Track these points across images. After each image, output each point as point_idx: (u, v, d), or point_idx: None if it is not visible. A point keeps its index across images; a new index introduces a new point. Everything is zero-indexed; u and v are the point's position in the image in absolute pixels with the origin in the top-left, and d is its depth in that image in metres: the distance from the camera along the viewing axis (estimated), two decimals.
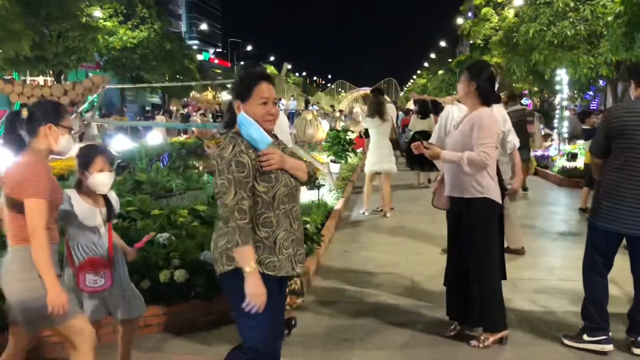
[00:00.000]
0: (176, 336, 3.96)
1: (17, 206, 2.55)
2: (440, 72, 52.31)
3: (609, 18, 12.83)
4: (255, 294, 2.33)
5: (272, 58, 75.11)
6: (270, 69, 57.64)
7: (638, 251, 3.62)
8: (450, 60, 50.33)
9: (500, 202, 3.76)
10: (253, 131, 2.41)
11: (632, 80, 3.65)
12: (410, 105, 23.05)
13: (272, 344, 2.52)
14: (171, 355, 3.73)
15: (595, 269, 3.69)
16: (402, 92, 71.92)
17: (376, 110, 7.90)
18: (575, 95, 20.42)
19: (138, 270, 4.14)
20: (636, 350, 3.64)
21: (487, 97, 3.71)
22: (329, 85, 74.68)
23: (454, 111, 4.56)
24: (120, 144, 13.16)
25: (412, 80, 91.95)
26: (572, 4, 14.99)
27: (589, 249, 3.76)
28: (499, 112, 4.40)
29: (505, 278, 4.01)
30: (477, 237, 3.70)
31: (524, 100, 30.76)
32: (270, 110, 2.48)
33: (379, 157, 7.95)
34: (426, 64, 71.81)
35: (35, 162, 2.60)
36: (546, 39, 15.18)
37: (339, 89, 57.62)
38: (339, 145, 10.93)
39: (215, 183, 2.43)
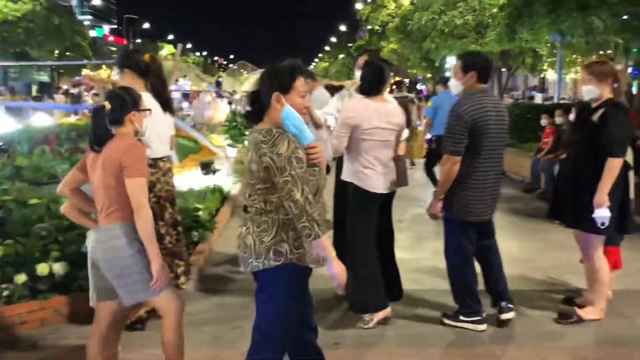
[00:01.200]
0: (55, 332, 3.79)
1: (119, 187, 2.74)
2: (341, 56, 53.06)
3: (495, 10, 13.62)
4: (341, 273, 2.49)
5: (171, 37, 72.61)
6: (169, 48, 55.75)
7: (484, 232, 3.95)
8: (350, 44, 51.14)
9: (375, 191, 3.90)
10: (301, 125, 2.48)
11: (475, 71, 3.78)
12: None
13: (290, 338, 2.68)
14: (50, 351, 3.57)
15: (463, 257, 3.92)
16: None
17: None
18: None
19: (13, 264, 3.91)
20: (503, 316, 3.95)
21: (363, 87, 3.93)
22: (230, 65, 73.49)
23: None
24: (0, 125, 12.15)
25: (314, 63, 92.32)
26: None
27: (453, 240, 3.97)
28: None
29: (389, 263, 4.21)
30: (349, 219, 3.96)
31: (419, 86, 31.84)
32: (306, 103, 2.60)
33: None
34: (327, 48, 72.49)
35: (134, 144, 2.82)
36: (437, 28, 15.87)
37: (241, 70, 56.85)
38: (236, 128, 10.82)
39: (262, 180, 2.46)
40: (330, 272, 2.48)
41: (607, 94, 3.95)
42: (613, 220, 3.86)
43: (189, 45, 66.05)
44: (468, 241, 3.88)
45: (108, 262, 2.78)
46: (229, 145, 10.25)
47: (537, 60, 16.90)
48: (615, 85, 3.95)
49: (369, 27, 33.66)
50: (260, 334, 2.59)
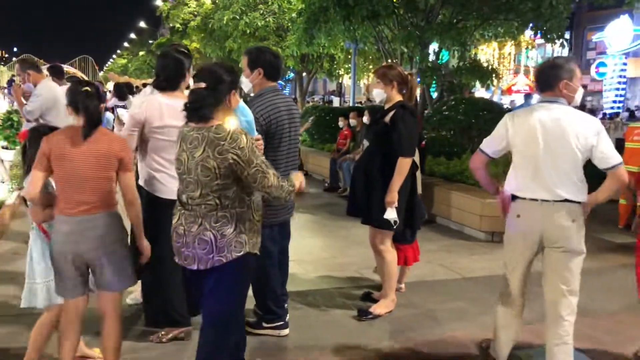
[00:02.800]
0: None
1: (110, 179, 2.87)
2: (142, 53, 50.59)
3: (294, 14, 13.93)
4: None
5: None
6: None
7: (284, 234, 3.82)
8: (151, 41, 48.98)
9: (165, 196, 3.47)
10: (252, 121, 2.74)
11: (261, 67, 3.57)
12: (110, 86, 21.63)
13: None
14: None
15: (271, 262, 3.72)
16: (102, 72, 67.49)
17: None
18: None
19: None
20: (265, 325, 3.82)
21: (158, 82, 3.61)
22: (13, 59, 65.66)
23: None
24: None
25: (111, 60, 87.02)
26: None
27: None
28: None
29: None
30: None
31: None
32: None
33: None
34: (127, 44, 68.69)
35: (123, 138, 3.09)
36: (239, 28, 15.78)
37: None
38: (12, 128, 9.43)
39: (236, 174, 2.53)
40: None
41: (396, 96, 4.09)
42: (403, 219, 4.04)
43: None
44: (272, 244, 3.72)
45: (101, 250, 2.82)
46: (3, 147, 8.91)
47: (334, 65, 17.75)
48: (404, 90, 4.12)
49: (171, 25, 32.44)
50: (221, 324, 2.70)
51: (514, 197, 3.18)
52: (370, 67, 18.52)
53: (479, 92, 19.46)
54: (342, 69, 17.80)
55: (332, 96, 36.46)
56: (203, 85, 2.56)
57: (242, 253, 2.60)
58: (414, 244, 4.60)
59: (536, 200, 3.07)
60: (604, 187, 3.10)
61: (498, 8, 10.91)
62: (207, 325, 2.71)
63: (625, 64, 23.13)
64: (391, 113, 4.03)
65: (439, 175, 8.03)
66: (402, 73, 4.16)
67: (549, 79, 3.11)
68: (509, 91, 28.39)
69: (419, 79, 11.71)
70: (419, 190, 7.26)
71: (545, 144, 3.02)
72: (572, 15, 23.55)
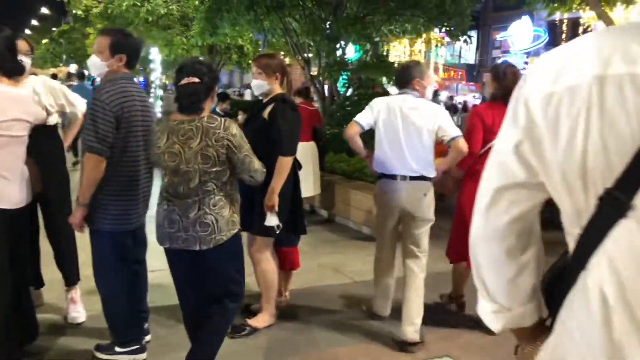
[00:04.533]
0: None
1: None
2: (45, 41, 47.53)
3: (197, 2, 13.27)
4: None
5: None
6: None
7: (137, 241, 3.36)
8: (54, 29, 46.15)
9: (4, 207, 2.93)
10: None
11: (125, 54, 3.17)
12: None
13: None
14: None
15: (121, 274, 3.25)
16: None
17: None
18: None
19: None
20: (147, 338, 3.46)
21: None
22: None
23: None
24: None
25: None
26: None
27: (105, 256, 3.22)
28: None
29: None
30: None
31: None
32: None
33: None
34: (28, 31, 64.39)
35: None
36: (140, 15, 14.89)
37: None
38: None
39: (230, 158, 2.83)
40: None
41: (278, 89, 3.73)
42: (285, 222, 3.68)
43: None
44: (124, 254, 3.24)
45: None
46: None
47: (243, 57, 17.20)
48: (284, 79, 3.77)
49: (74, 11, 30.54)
50: (237, 289, 3.09)
51: (380, 176, 3.83)
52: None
53: (392, 88, 19.59)
54: (251, 61, 17.27)
55: (248, 89, 35.80)
56: (196, 79, 2.76)
57: (236, 230, 2.94)
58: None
59: (396, 176, 3.72)
60: (448, 158, 3.74)
61: (404, 3, 10.85)
62: (224, 296, 3.00)
63: (526, 62, 24.13)
64: (269, 107, 3.66)
65: (339, 172, 7.77)
66: (284, 63, 3.84)
67: (405, 77, 3.78)
68: None
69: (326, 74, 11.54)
70: (318, 190, 7.05)
71: (403, 127, 3.64)
72: (478, 15, 24.36)
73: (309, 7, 11.37)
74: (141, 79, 29.11)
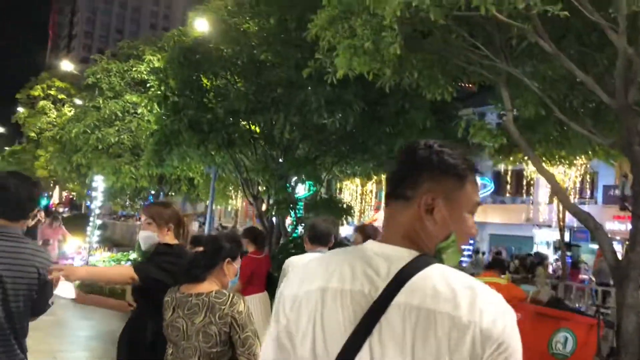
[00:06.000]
0: None
1: None
2: None
3: (148, 133, 13.25)
4: None
5: None
6: None
7: None
8: (7, 147, 45.66)
9: None
10: None
11: None
12: None
13: None
14: None
15: None
16: None
17: None
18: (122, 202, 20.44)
19: None
20: None
21: None
22: None
23: None
24: None
25: None
26: (119, 114, 15.11)
27: None
28: None
29: None
30: None
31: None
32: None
33: None
34: None
35: None
36: (90, 142, 14.73)
37: None
38: None
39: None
40: None
41: (169, 241, 3.21)
42: None
43: None
44: None
45: None
46: None
47: (193, 189, 17.02)
48: (180, 231, 3.27)
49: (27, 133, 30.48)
50: None
51: None
52: (231, 192, 18.02)
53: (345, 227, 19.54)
54: (201, 193, 17.08)
55: (199, 218, 35.40)
56: (201, 249, 2.74)
57: None
58: None
59: None
60: None
61: (355, 148, 11.04)
62: None
63: None
64: None
65: None
66: (179, 213, 3.35)
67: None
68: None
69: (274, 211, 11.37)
70: None
71: None
72: None
73: (261, 145, 11.45)
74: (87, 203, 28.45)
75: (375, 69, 6.05)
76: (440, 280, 1.18)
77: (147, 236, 3.20)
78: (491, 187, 24.20)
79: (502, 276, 7.04)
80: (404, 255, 1.24)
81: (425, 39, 6.58)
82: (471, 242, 24.47)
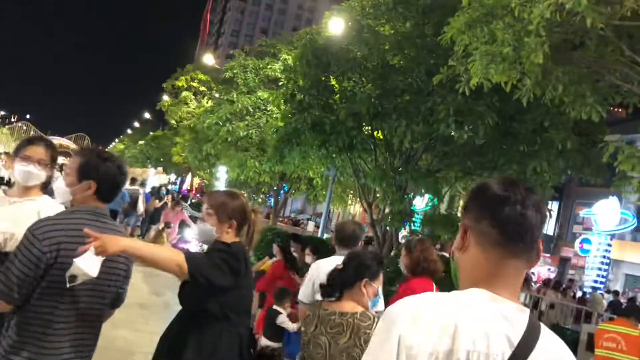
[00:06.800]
0: None
1: None
2: (141, 142, 50.87)
3: (273, 129, 13.47)
4: None
5: None
6: None
7: None
8: (152, 132, 49.47)
9: None
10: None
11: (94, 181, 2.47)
12: None
13: None
14: None
15: None
16: None
17: None
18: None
19: None
20: None
21: None
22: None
23: None
24: None
25: (113, 143, 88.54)
26: (250, 109, 15.54)
27: None
28: None
29: None
30: None
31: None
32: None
33: None
34: (130, 131, 69.67)
35: None
36: (220, 134, 15.29)
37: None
38: None
39: None
40: None
41: (229, 238, 2.80)
42: None
43: None
44: None
45: None
46: None
47: (311, 189, 17.09)
48: (244, 229, 2.99)
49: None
50: None
51: None
52: (350, 197, 17.86)
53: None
54: (319, 194, 17.10)
55: (318, 219, 35.77)
56: (340, 266, 2.74)
57: None
58: None
59: None
60: None
61: (482, 164, 10.35)
62: None
63: (609, 244, 22.55)
64: None
65: None
66: (246, 208, 2.87)
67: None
68: None
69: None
70: None
71: None
72: (563, 186, 23.47)
73: (382, 152, 11.13)
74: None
75: (514, 79, 5.47)
76: (555, 339, 1.33)
77: (204, 230, 2.79)
78: (634, 222, 21.87)
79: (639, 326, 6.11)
80: (521, 316, 1.30)
81: (575, 50, 5.87)
82: (602, 278, 22.33)
